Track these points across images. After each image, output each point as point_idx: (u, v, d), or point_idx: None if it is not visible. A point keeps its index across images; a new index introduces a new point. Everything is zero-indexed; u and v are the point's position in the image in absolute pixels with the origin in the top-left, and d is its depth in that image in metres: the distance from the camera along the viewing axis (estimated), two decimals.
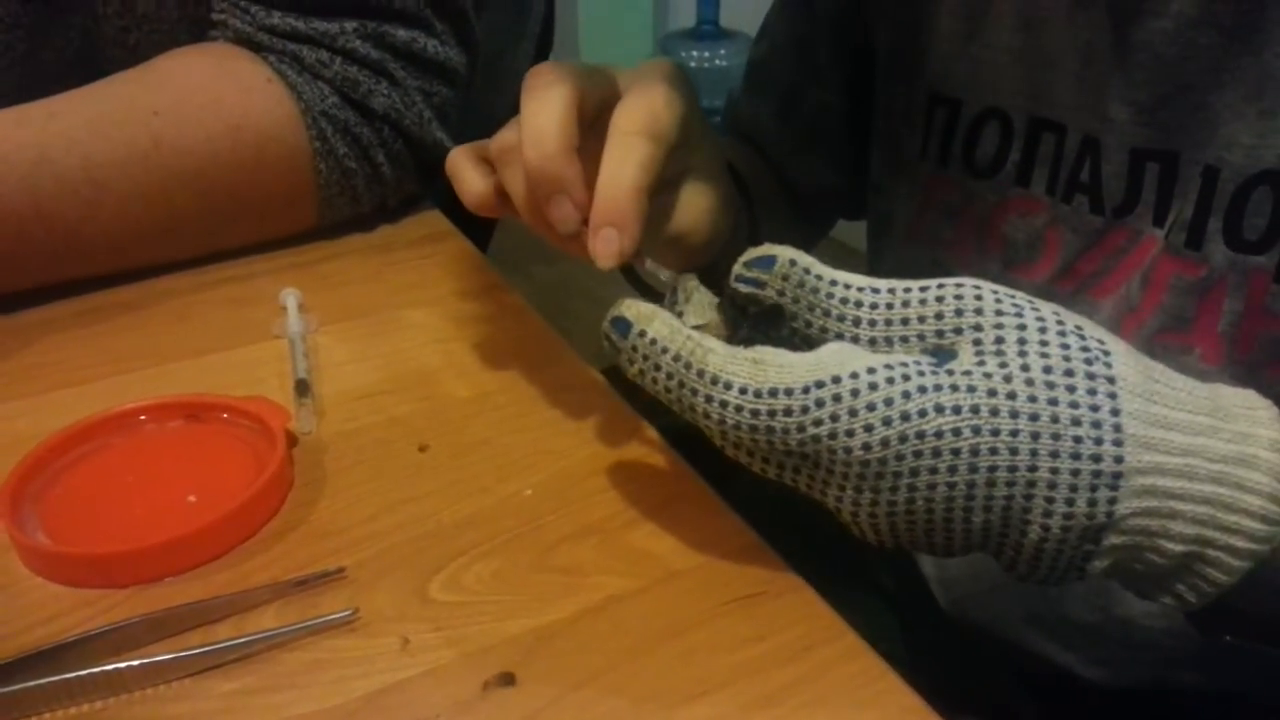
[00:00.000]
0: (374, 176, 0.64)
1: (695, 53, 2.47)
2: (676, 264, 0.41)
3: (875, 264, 0.66)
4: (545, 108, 0.40)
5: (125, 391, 0.48)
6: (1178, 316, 0.48)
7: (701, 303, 0.38)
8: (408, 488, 0.44)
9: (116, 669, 0.35)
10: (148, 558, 0.39)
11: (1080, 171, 0.51)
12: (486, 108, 0.92)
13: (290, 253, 0.62)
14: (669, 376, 0.35)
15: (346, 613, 0.37)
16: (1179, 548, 0.33)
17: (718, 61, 2.42)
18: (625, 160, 0.40)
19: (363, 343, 0.54)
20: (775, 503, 0.40)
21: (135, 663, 0.35)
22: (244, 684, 0.35)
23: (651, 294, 0.46)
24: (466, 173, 0.46)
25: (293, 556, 0.40)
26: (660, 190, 0.44)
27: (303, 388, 0.49)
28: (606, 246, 0.39)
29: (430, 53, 0.64)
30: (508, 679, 0.35)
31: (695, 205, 0.47)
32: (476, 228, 0.66)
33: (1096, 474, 0.32)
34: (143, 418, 0.47)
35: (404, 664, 0.36)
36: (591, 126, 0.42)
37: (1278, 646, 0.39)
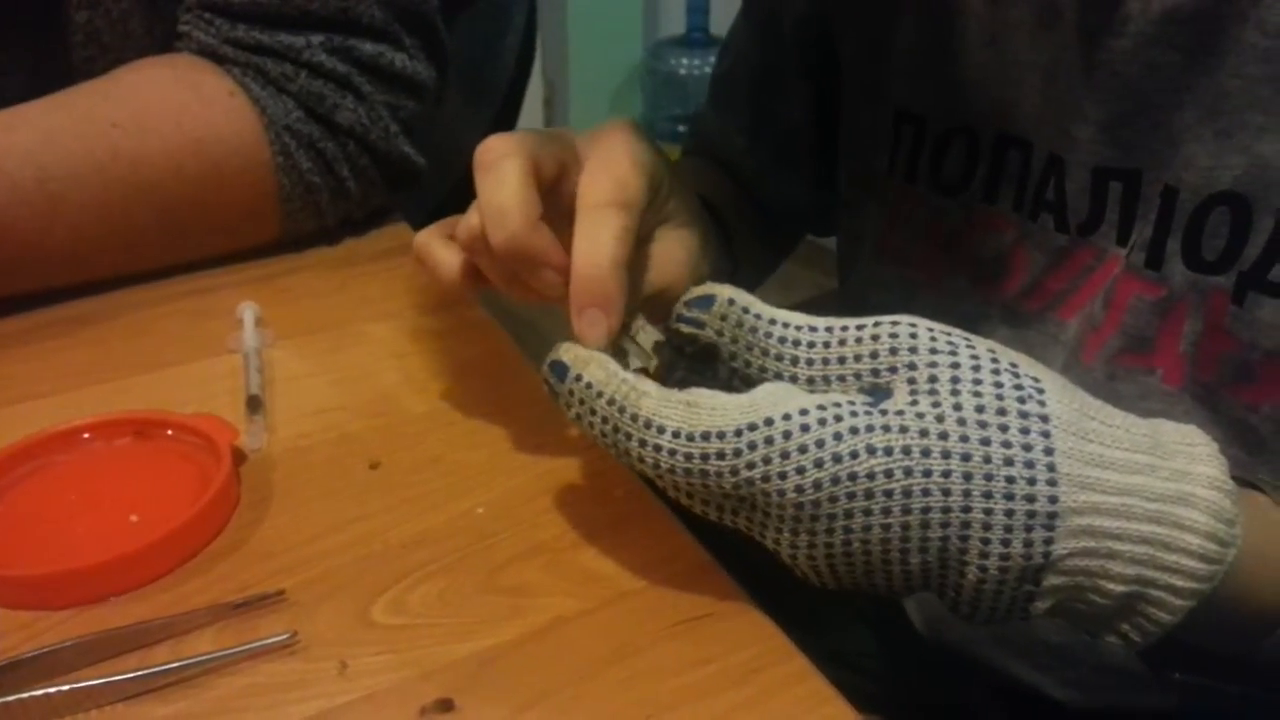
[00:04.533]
0: (339, 191, 0.63)
1: (685, 60, 2.48)
2: (661, 317, 0.40)
3: (845, 280, 0.66)
4: (501, 184, 0.39)
5: (76, 408, 0.47)
6: (1139, 337, 0.48)
7: (646, 343, 0.38)
8: (356, 506, 0.43)
9: (46, 693, 0.34)
10: (85, 578, 0.38)
11: (1046, 189, 0.51)
12: (463, 121, 0.91)
13: (253, 265, 0.62)
14: (604, 420, 0.34)
15: (284, 636, 0.36)
16: (1120, 588, 0.33)
17: (707, 69, 2.42)
18: (598, 237, 0.38)
19: (319, 357, 0.53)
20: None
21: (66, 687, 0.34)
22: (179, 709, 0.34)
23: None
24: (437, 254, 0.45)
25: (235, 578, 0.39)
26: (635, 249, 0.43)
27: (254, 404, 0.48)
28: (594, 329, 0.38)
29: (398, 67, 0.64)
30: (446, 705, 0.34)
31: (672, 258, 0.45)
32: None
33: (1031, 514, 0.32)
34: (88, 435, 0.46)
35: (341, 689, 0.35)
36: (552, 190, 0.41)
37: (1227, 683, 0.39)
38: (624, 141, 0.42)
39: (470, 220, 0.41)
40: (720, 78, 0.71)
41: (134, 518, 0.42)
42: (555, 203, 0.40)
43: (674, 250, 0.45)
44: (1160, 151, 0.46)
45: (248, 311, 0.55)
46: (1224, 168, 0.44)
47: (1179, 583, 0.33)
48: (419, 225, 0.61)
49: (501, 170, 0.39)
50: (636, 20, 2.65)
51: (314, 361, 0.53)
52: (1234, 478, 0.37)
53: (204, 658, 0.35)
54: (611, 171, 0.40)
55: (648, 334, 0.37)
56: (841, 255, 0.66)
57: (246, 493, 0.44)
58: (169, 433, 0.46)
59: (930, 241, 0.57)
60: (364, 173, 0.64)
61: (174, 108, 0.59)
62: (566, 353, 0.36)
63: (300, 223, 0.63)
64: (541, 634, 0.37)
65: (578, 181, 0.40)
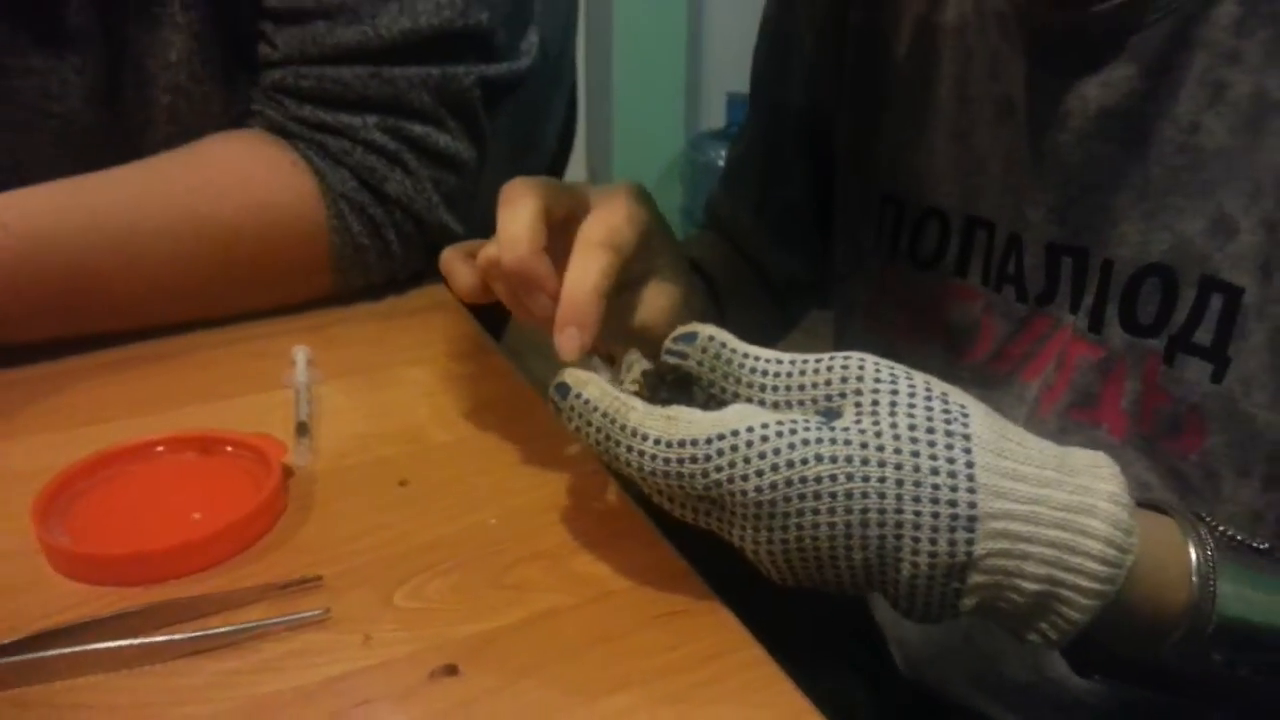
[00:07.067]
0: (385, 253, 0.71)
1: (724, 152, 2.57)
2: (646, 351, 0.47)
3: (839, 345, 0.72)
4: (516, 218, 0.47)
5: (147, 429, 0.54)
6: (1086, 394, 0.54)
7: (636, 370, 0.45)
8: (385, 515, 0.49)
9: (119, 646, 0.40)
10: (154, 560, 0.45)
11: (1007, 264, 0.58)
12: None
13: (305, 316, 0.70)
14: (598, 430, 0.41)
15: (319, 612, 0.43)
16: (1033, 586, 0.38)
17: None
18: (587, 268, 0.46)
19: (360, 394, 0.60)
20: (753, 580, 0.46)
21: (135, 642, 0.41)
22: (228, 666, 0.41)
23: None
24: (457, 268, 0.53)
25: (280, 566, 0.46)
26: (624, 290, 0.51)
27: (302, 429, 0.55)
28: (570, 343, 0.45)
29: (442, 146, 0.72)
30: (451, 670, 0.40)
31: (657, 304, 0.53)
32: (490, 318, 0.72)
33: (954, 517, 0.37)
34: (160, 449, 0.53)
35: (364, 655, 0.41)
36: (562, 231, 0.48)
37: (1142, 687, 0.44)
38: (626, 198, 0.50)
39: (489, 249, 0.49)
40: (731, 161, 0.79)
41: (196, 515, 0.48)
42: (562, 242, 0.48)
43: (659, 299, 0.52)
44: (1101, 229, 0.52)
45: (300, 353, 0.62)
46: (1153, 243, 0.50)
47: (1084, 583, 0.38)
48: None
49: (518, 206, 0.47)
50: (679, 113, 2.78)
51: (356, 398, 0.60)
52: (1148, 502, 0.42)
53: (251, 625, 0.42)
54: (609, 220, 0.48)
55: (639, 363, 0.44)
56: (837, 322, 0.72)
57: (292, 501, 0.50)
58: (228, 449, 0.53)
59: (910, 311, 0.63)
60: (408, 238, 0.72)
61: (244, 176, 0.67)
62: (569, 376, 0.42)
63: (350, 280, 0.71)
64: (537, 620, 0.43)
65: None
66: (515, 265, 0.46)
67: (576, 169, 2.37)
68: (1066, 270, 0.54)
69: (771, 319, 0.79)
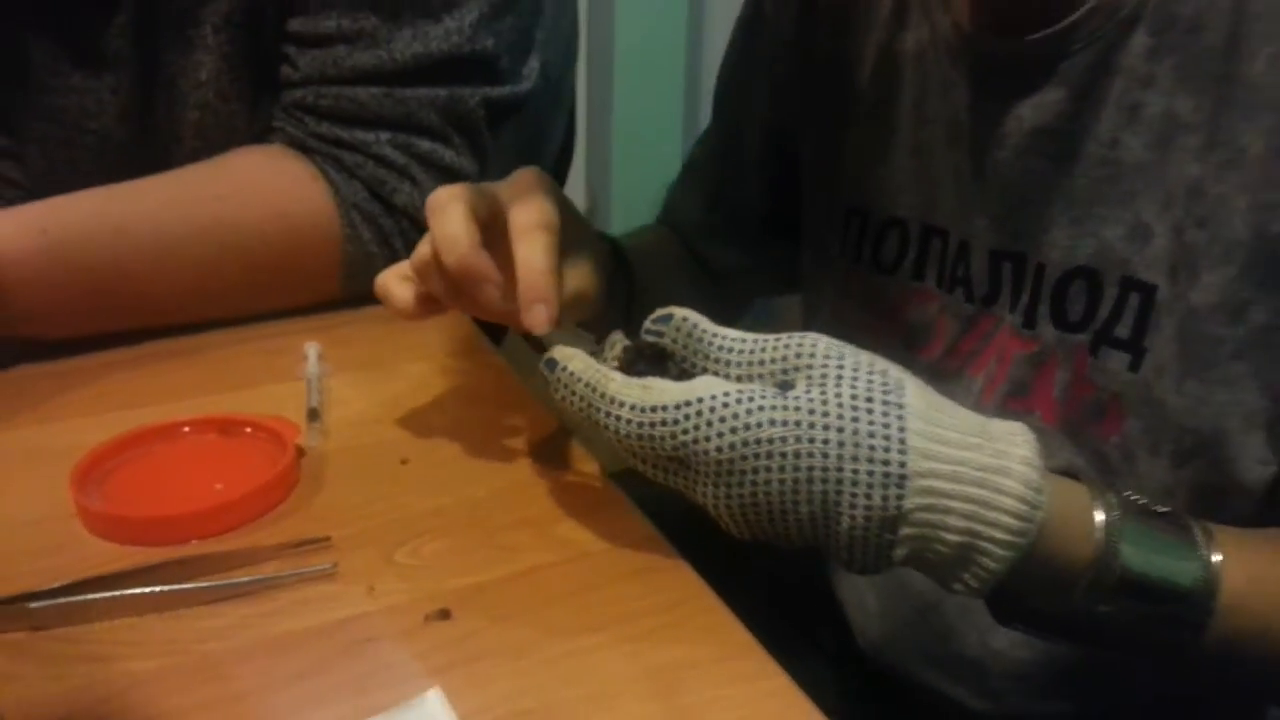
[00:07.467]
0: (392, 258, 0.77)
1: None
2: (581, 317, 0.53)
3: None
4: (450, 220, 0.52)
5: (173, 415, 0.60)
6: (1021, 384, 0.59)
7: (619, 348, 0.50)
8: (388, 487, 0.55)
9: (150, 591, 0.46)
10: (180, 523, 0.51)
11: (958, 268, 0.63)
12: None
13: (317, 317, 0.75)
14: (581, 399, 0.46)
15: (328, 566, 0.48)
16: (955, 538, 0.43)
17: None
18: (534, 249, 0.52)
19: (366, 386, 0.66)
20: (740, 571, 0.51)
21: (164, 588, 0.46)
22: (248, 610, 0.46)
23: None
24: (393, 289, 0.57)
25: (292, 530, 0.51)
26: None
27: (313, 414, 0.61)
28: (538, 316, 0.51)
29: (447, 161, 0.78)
30: (444, 614, 0.45)
31: (582, 268, 0.59)
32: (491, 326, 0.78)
33: (886, 475, 0.42)
34: (186, 429, 0.59)
35: (367, 602, 0.46)
36: (486, 228, 0.53)
37: (1056, 636, 0.49)
38: (539, 184, 0.56)
39: (422, 250, 0.54)
40: (691, 160, 0.86)
41: (218, 486, 0.54)
42: (488, 236, 0.53)
43: (581, 265, 0.58)
44: (1035, 236, 0.58)
45: (312, 349, 0.68)
46: (1080, 248, 0.56)
47: (1000, 535, 0.43)
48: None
49: (448, 211, 0.52)
50: (677, 142, 2.84)
51: (362, 389, 0.66)
52: (1064, 470, 0.48)
53: (268, 577, 0.47)
54: (536, 204, 0.54)
55: (620, 341, 0.49)
56: (805, 315, 0.78)
57: (304, 477, 0.56)
58: (247, 430, 0.59)
59: (873, 311, 0.69)
60: (413, 245, 0.78)
61: (266, 187, 0.73)
62: (557, 352, 0.48)
63: (359, 283, 0.77)
64: (522, 575, 0.48)
65: (506, 217, 0.54)
66: (459, 262, 0.51)
67: (576, 180, 2.43)
68: (1007, 274, 0.60)
69: (714, 303, 0.85)
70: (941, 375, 0.64)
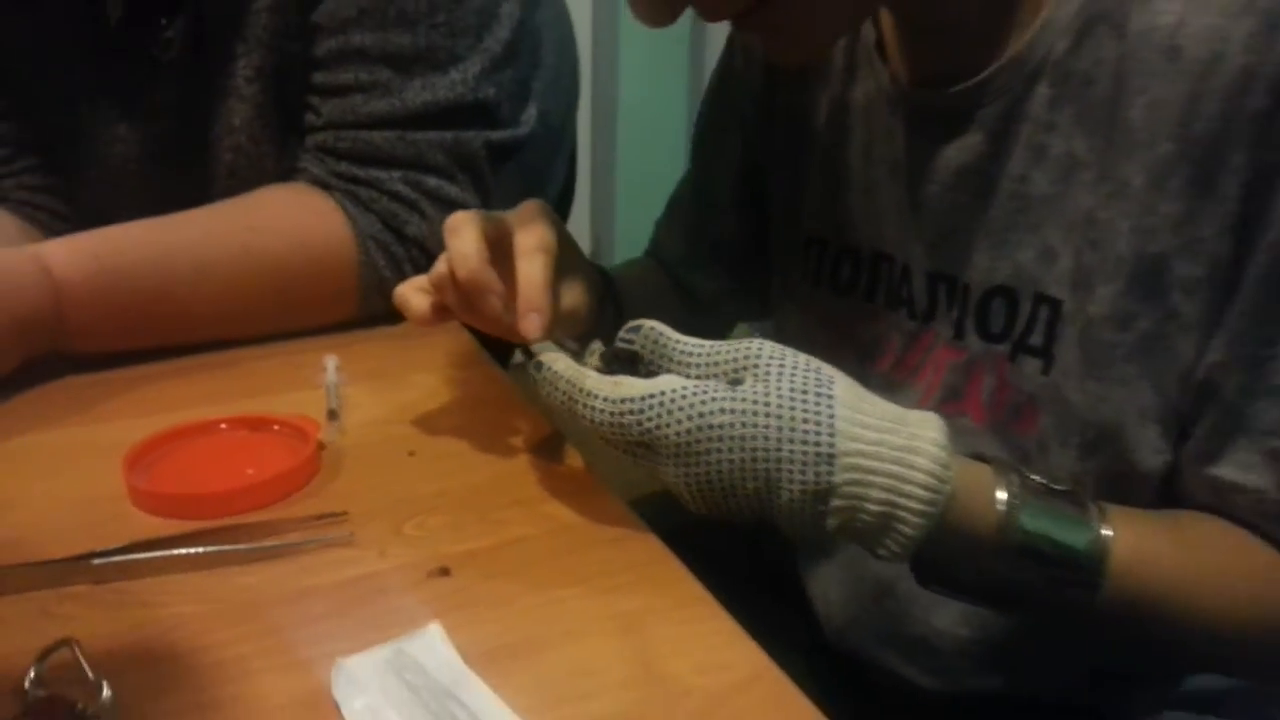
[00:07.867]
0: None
1: None
2: (572, 332, 0.62)
3: None
4: (463, 240, 0.61)
5: (211, 415, 0.69)
6: (954, 390, 0.67)
7: (596, 351, 0.59)
8: (398, 473, 0.63)
9: (193, 552, 0.54)
10: (217, 499, 0.59)
11: (902, 289, 0.71)
12: None
13: (336, 335, 0.84)
14: (563, 393, 0.55)
15: (345, 534, 0.56)
16: (877, 508, 0.51)
17: None
18: (534, 267, 0.61)
19: (379, 394, 0.74)
20: (729, 568, 0.58)
21: (205, 549, 0.54)
22: (275, 570, 0.54)
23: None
24: (410, 298, 0.66)
25: (314, 508, 0.59)
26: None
27: (332, 415, 0.69)
28: (533, 324, 0.59)
29: (452, 195, 0.87)
30: (445, 571, 0.53)
31: (575, 290, 0.68)
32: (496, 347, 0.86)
33: (818, 455, 0.50)
34: (222, 426, 0.67)
35: (379, 563, 0.54)
36: (494, 248, 0.62)
37: (969, 596, 0.56)
38: (542, 214, 0.65)
39: (440, 267, 0.63)
40: (674, 200, 0.95)
41: (250, 471, 0.62)
42: (496, 255, 0.61)
43: (575, 286, 0.67)
44: (963, 260, 0.66)
45: (331, 361, 0.77)
46: (998, 269, 0.64)
47: (914, 505, 0.51)
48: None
49: (463, 231, 0.61)
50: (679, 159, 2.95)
51: (375, 396, 0.74)
52: (976, 455, 0.56)
53: (293, 543, 0.55)
54: (538, 229, 0.62)
55: (599, 347, 0.58)
56: (775, 334, 0.86)
57: (324, 467, 0.64)
58: (275, 427, 0.67)
59: (831, 329, 0.77)
60: (422, 271, 0.86)
61: (292, 220, 0.82)
62: (543, 355, 0.56)
63: (374, 305, 0.86)
64: (511, 543, 0.56)
65: (512, 239, 0.62)
66: (469, 275, 0.60)
67: (581, 222, 2.54)
68: (942, 293, 0.68)
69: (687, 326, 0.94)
70: (892, 385, 0.72)
